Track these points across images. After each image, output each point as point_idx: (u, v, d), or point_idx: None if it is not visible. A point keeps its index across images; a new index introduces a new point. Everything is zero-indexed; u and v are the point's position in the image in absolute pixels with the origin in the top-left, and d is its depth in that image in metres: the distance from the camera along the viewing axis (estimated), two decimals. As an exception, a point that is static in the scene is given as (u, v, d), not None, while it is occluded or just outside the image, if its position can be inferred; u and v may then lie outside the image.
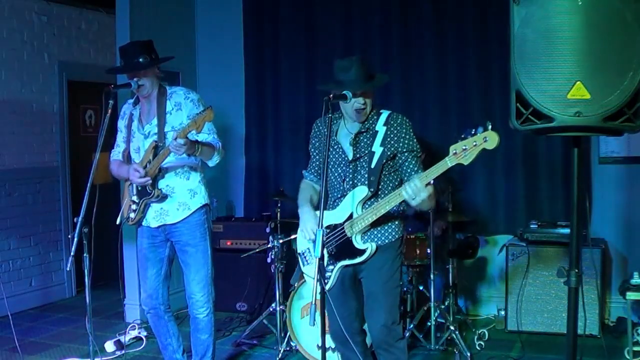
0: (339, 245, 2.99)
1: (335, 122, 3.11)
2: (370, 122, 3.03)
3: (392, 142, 2.97)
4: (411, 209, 3.43)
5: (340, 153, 3.07)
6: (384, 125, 3.00)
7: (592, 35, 2.18)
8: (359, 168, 3.00)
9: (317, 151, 3.24)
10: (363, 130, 3.02)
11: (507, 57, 2.33)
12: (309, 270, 3.10)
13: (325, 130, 3.03)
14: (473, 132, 2.59)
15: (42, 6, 5.92)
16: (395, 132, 2.97)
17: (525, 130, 2.34)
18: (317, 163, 3.24)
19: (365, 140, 3.02)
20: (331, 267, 3.01)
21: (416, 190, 2.71)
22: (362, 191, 2.96)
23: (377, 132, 3.00)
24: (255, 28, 5.72)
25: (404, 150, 2.97)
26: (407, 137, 2.98)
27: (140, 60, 3.45)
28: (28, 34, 5.80)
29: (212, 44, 5.98)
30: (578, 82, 2.20)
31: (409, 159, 2.98)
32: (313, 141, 3.25)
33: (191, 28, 6.01)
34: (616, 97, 2.19)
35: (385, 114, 3.04)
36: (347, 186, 3.02)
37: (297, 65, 5.54)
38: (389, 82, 5.11)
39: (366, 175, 2.97)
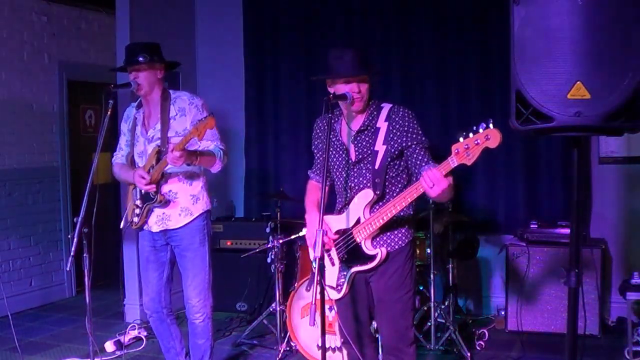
0: (350, 251, 2.89)
1: (336, 119, 3.00)
2: (371, 117, 2.88)
3: (396, 138, 2.82)
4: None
5: (344, 155, 2.94)
6: (386, 121, 2.84)
7: (592, 35, 2.18)
8: (363, 171, 2.88)
9: (320, 153, 3.08)
10: (363, 127, 2.89)
11: (507, 57, 2.33)
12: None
13: (327, 128, 2.98)
14: (475, 130, 2.48)
15: (42, 6, 5.92)
16: (398, 126, 2.82)
17: (525, 130, 2.33)
18: (322, 162, 3.05)
19: (366, 138, 2.87)
20: (344, 273, 2.92)
21: (435, 178, 2.53)
22: (367, 195, 2.84)
23: (378, 129, 2.84)
24: (255, 28, 5.72)
25: (411, 143, 2.83)
26: (412, 129, 2.82)
27: (140, 59, 3.46)
28: (28, 34, 5.81)
29: (212, 44, 5.98)
30: (578, 82, 2.20)
31: (417, 151, 2.83)
32: (315, 142, 3.12)
33: (191, 28, 6.01)
34: (616, 97, 2.18)
35: (386, 109, 2.87)
36: (354, 190, 2.91)
37: (297, 65, 5.54)
38: (389, 81, 5.17)
39: (370, 178, 2.85)
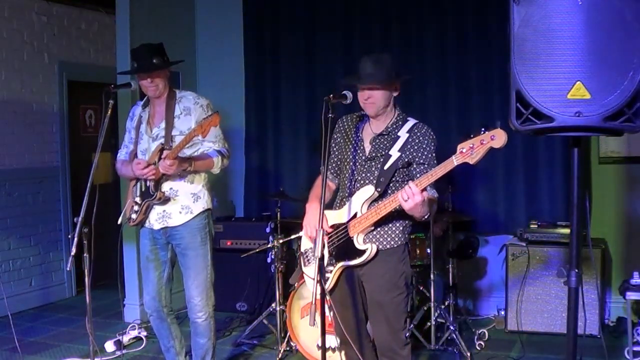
0: (341, 244, 2.94)
1: (363, 118, 3.09)
2: (394, 126, 2.99)
3: (412, 149, 2.93)
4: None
5: (359, 151, 3.02)
6: (407, 132, 2.96)
7: (592, 35, 2.18)
8: (373, 169, 2.96)
9: (337, 147, 3.17)
10: (385, 132, 2.98)
11: (507, 57, 2.33)
12: (309, 270, 3.05)
13: (352, 127, 3.09)
14: (483, 131, 2.55)
15: (42, 6, 5.92)
16: (417, 140, 2.93)
17: (525, 131, 2.33)
18: (335, 160, 3.18)
19: (384, 142, 2.98)
20: (331, 267, 2.95)
21: (410, 193, 2.64)
22: (368, 190, 2.91)
23: (398, 137, 2.95)
24: (255, 28, 5.72)
25: (421, 161, 2.92)
26: (427, 149, 2.93)
27: (155, 61, 3.47)
28: (28, 34, 5.81)
29: (212, 44, 5.98)
30: (578, 82, 2.20)
31: (423, 172, 2.85)
32: (335, 136, 3.17)
33: (191, 28, 6.01)
34: (616, 97, 2.18)
35: (411, 123, 2.99)
36: (359, 183, 2.98)
37: (297, 65, 5.54)
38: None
39: (377, 175, 2.93)
